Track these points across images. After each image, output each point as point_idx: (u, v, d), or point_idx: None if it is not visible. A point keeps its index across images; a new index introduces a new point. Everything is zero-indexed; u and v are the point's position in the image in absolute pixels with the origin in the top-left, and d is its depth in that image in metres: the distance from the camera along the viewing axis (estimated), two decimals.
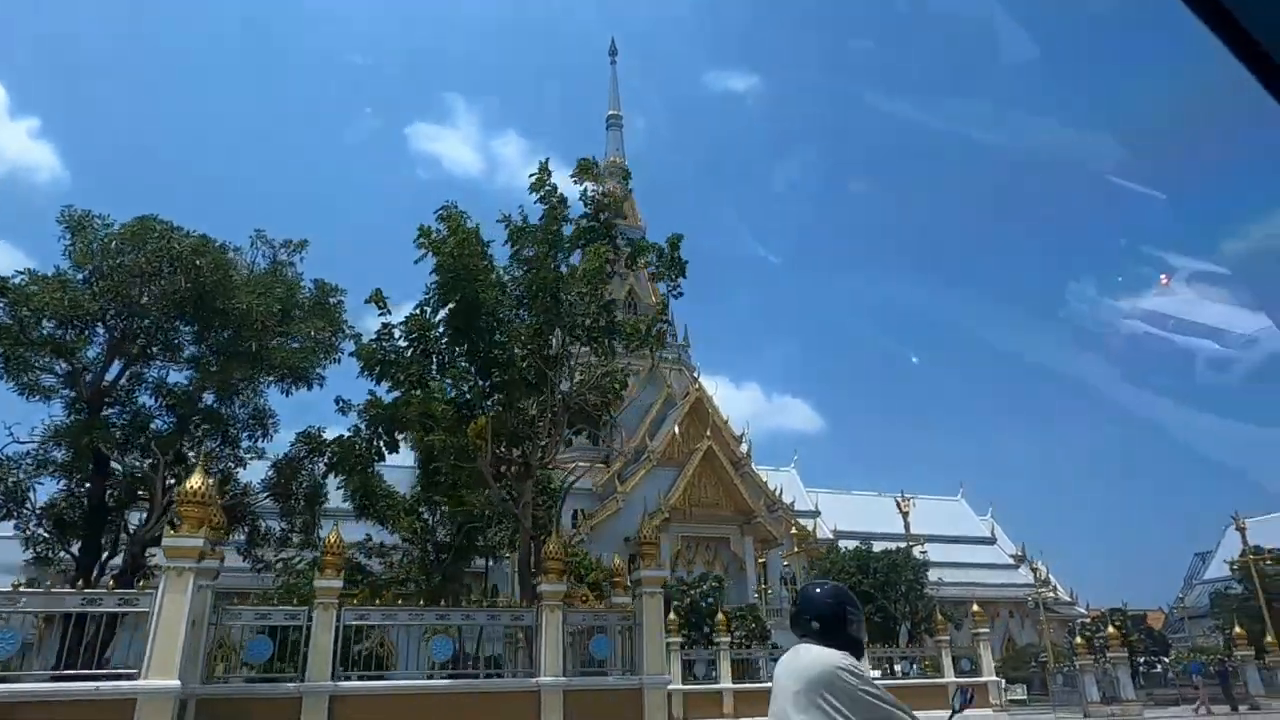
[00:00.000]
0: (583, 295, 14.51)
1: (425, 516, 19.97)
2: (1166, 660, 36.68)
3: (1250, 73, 1.14)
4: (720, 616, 24.91)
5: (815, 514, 66.65)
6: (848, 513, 67.44)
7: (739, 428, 64.82)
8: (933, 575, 64.50)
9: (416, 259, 13.89)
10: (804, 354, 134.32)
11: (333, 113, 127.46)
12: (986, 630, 27.56)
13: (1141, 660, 38.39)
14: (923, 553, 35.58)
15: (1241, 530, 31.79)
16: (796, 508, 63.20)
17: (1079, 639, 30.94)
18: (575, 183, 16.07)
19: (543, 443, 15.32)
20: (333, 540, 12.18)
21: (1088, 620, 44.17)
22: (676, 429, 57.30)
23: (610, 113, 74.70)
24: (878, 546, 67.06)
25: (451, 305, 13.77)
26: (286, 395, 17.06)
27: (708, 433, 56.39)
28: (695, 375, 65.39)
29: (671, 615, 25.03)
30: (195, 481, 10.28)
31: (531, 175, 16.87)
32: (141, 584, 11.59)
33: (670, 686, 24.03)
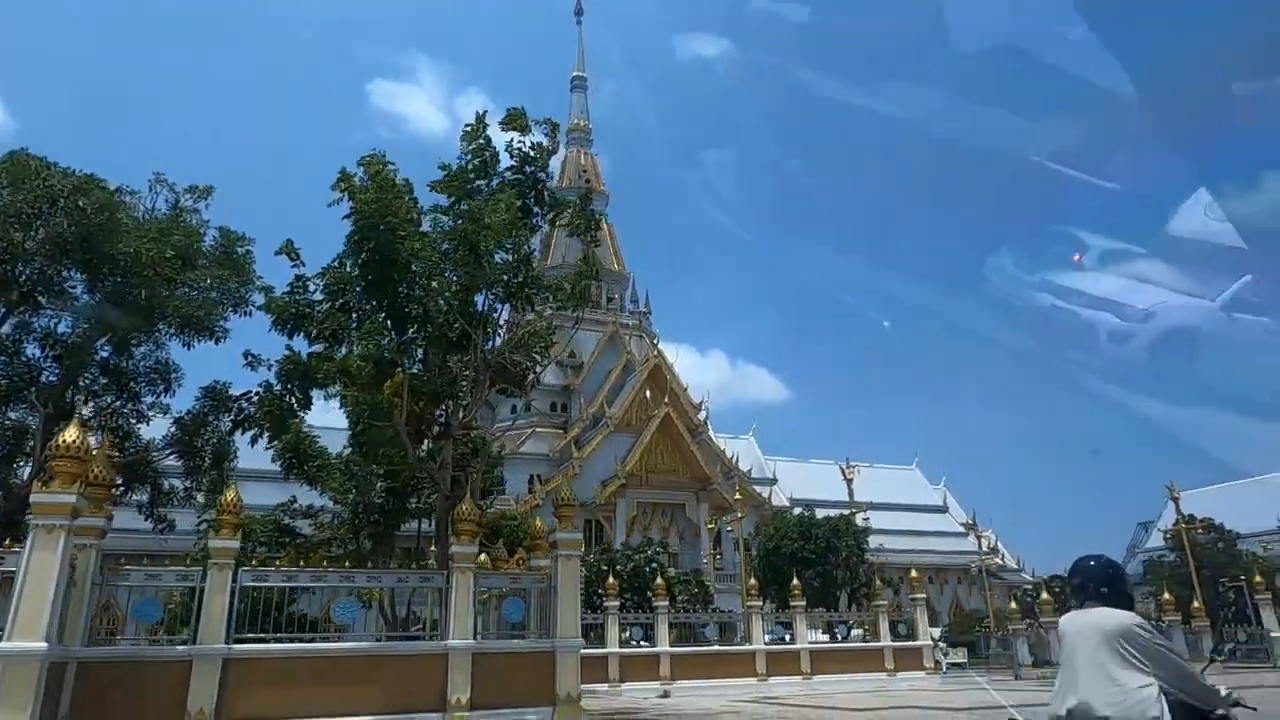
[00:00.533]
0: (502, 248, 13.94)
1: (356, 477, 19.45)
2: None
3: None
4: (660, 581, 24.83)
5: (772, 481, 67.06)
6: (805, 480, 67.93)
7: (700, 396, 64.83)
8: (885, 542, 65.51)
9: (330, 202, 13.21)
10: (770, 324, 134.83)
11: (292, 66, 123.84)
12: (923, 595, 27.81)
13: None
14: (865, 519, 35.81)
15: (1175, 500, 32.37)
16: (754, 475, 63.53)
17: (1012, 604, 31.42)
18: (507, 131, 15.41)
19: (464, 402, 14.86)
20: (229, 499, 11.65)
21: (1029, 586, 45.00)
22: (635, 396, 57.16)
23: (575, 74, 73.24)
24: (833, 513, 68.11)
25: (364, 256, 13.15)
26: (188, 348, 16.28)
27: (665, 400, 56.27)
28: (655, 342, 65.16)
29: (612, 580, 24.93)
30: (70, 434, 9.69)
31: (467, 126, 16.20)
32: (8, 543, 11.01)
33: (608, 650, 24.06)
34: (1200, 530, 33.03)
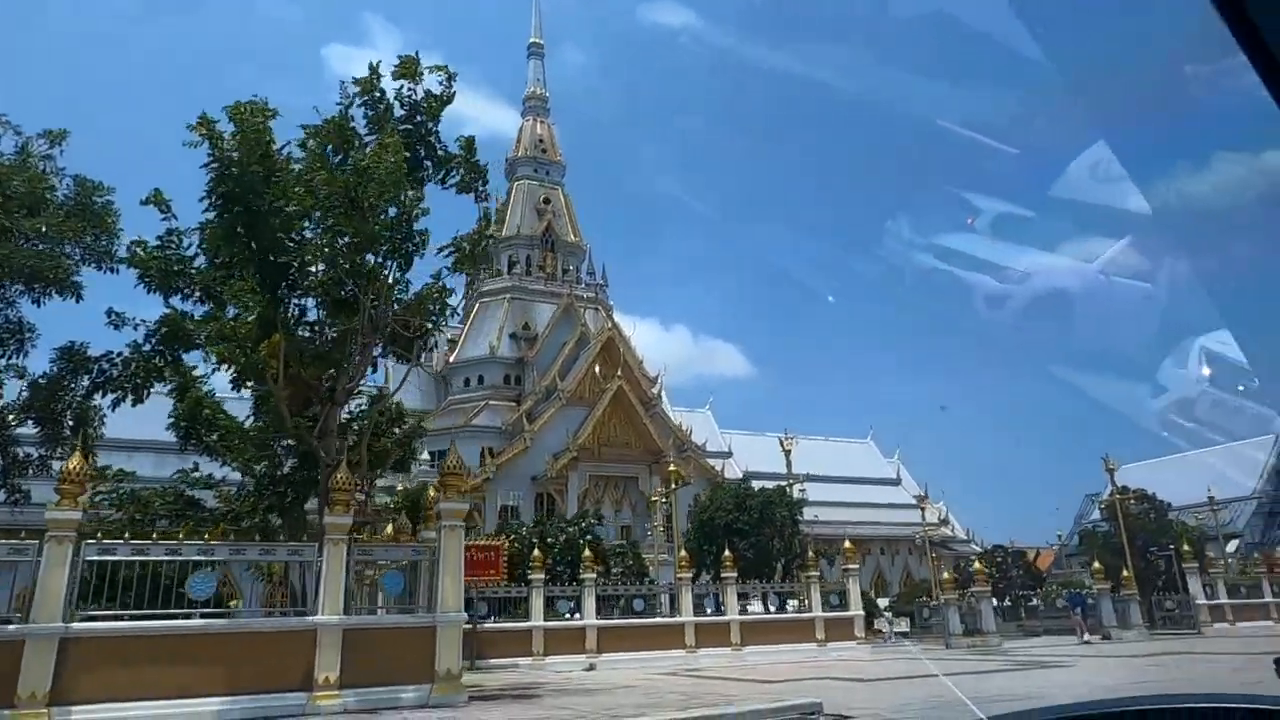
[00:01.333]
0: (390, 202, 12.97)
1: (261, 447, 18.50)
2: (1036, 594, 37.75)
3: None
4: (588, 554, 24.24)
5: (728, 455, 66.78)
6: (760, 454, 67.69)
7: (660, 369, 64.19)
8: (838, 515, 65.67)
9: (186, 143, 12.12)
10: (732, 299, 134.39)
11: (247, 28, 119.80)
12: (855, 566, 27.56)
13: (1021, 594, 39.49)
14: (801, 490, 35.51)
15: (1111, 471, 32.48)
16: (709, 448, 63.20)
17: (945, 574, 31.42)
18: (398, 79, 14.36)
19: (349, 366, 13.97)
20: (71, 467, 10.76)
21: (972, 557, 45.28)
22: (589, 368, 56.39)
23: (531, 41, 71.41)
24: (783, 484, 68.05)
25: (224, 206, 12.16)
26: (37, 305, 15.04)
27: (619, 373, 55.60)
28: (611, 314, 64.31)
29: (537, 552, 24.28)
30: None
31: (361, 78, 15.21)
32: None
33: (532, 624, 23.46)
34: (1133, 501, 33.23)
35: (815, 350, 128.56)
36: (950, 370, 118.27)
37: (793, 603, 27.93)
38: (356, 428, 19.17)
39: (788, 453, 35.31)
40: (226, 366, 14.21)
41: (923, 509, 45.67)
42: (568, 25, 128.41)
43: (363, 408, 20.63)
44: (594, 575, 24.03)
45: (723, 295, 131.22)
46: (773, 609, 26.38)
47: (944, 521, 67.26)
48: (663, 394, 66.07)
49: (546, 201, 66.98)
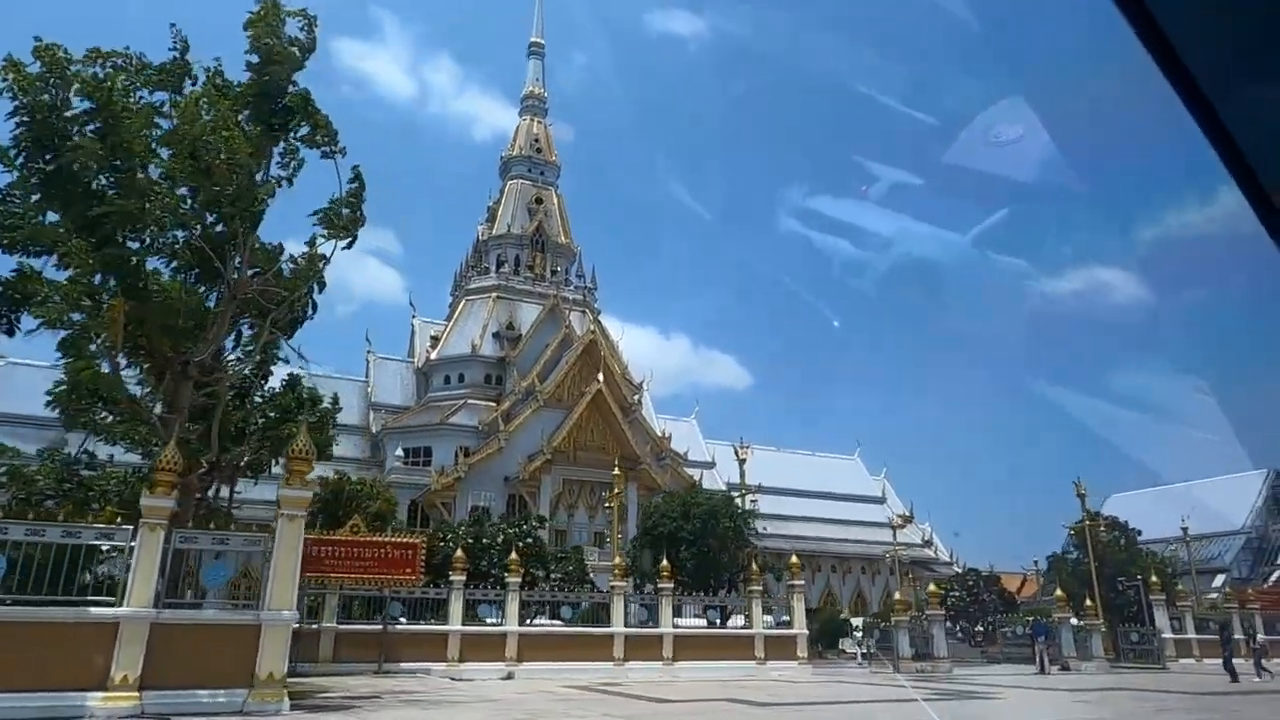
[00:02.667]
0: (236, 163, 11.79)
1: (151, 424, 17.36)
2: (1001, 620, 36.14)
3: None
4: (513, 557, 22.96)
5: (711, 465, 65.43)
6: (745, 465, 66.48)
7: (646, 376, 63.07)
8: (815, 530, 64.10)
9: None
10: (734, 310, 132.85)
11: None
12: (801, 582, 26.15)
13: (991, 620, 37.90)
14: (753, 501, 34.08)
15: (1082, 496, 30.88)
16: (693, 458, 61.91)
17: (896, 595, 29.91)
18: (252, 29, 13.12)
19: (208, 337, 12.80)
20: None
21: (949, 580, 43.73)
22: (569, 370, 55.30)
23: (532, 40, 70.65)
24: (768, 498, 66.52)
25: (29, 155, 11.04)
26: None
27: (599, 376, 54.51)
28: (598, 317, 63.26)
29: (459, 553, 23.03)
30: None
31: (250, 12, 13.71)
32: None
33: (449, 628, 22.19)
34: (1103, 529, 31.64)
35: (814, 366, 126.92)
36: (948, 394, 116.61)
37: (739, 619, 26.59)
38: (251, 410, 18.08)
39: (742, 461, 34.01)
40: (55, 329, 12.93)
41: (894, 528, 44.21)
42: (577, 29, 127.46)
43: (273, 389, 19.56)
44: (518, 580, 22.75)
45: (724, 306, 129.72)
46: (717, 623, 25.05)
47: (927, 543, 65.60)
48: (647, 401, 64.91)
49: (539, 201, 66.05)
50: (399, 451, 53.55)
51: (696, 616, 25.88)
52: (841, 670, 27.48)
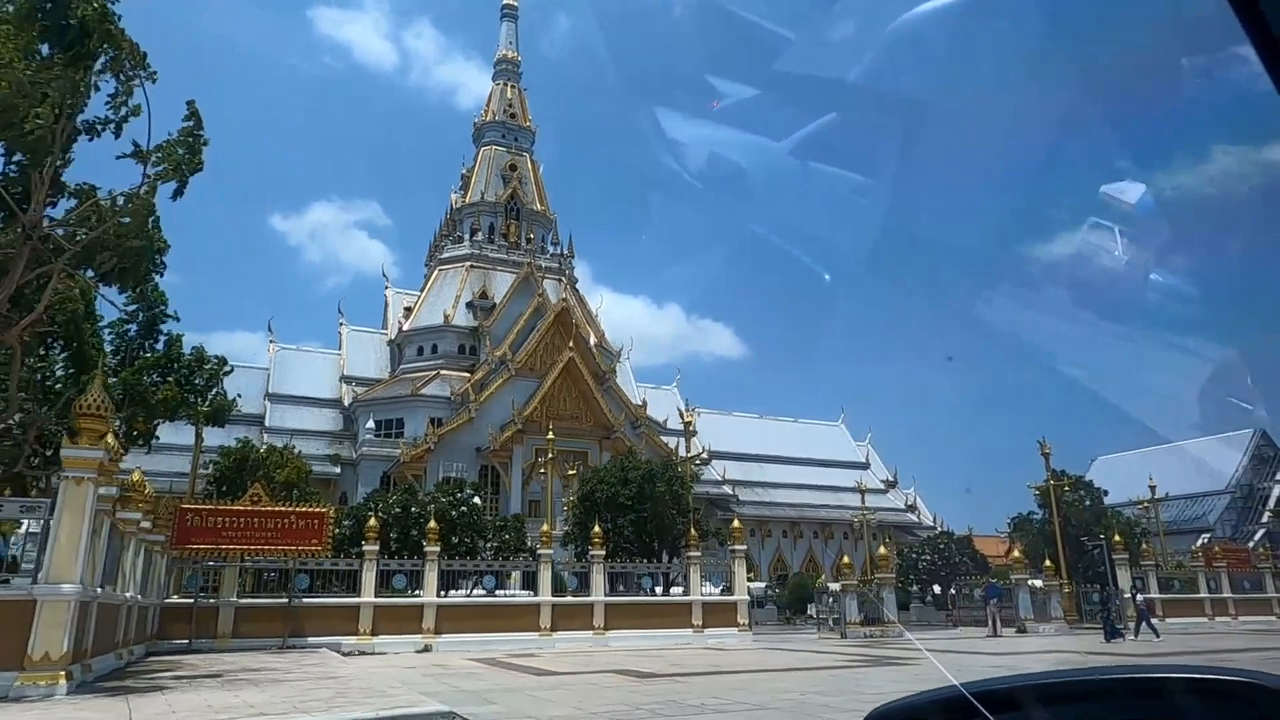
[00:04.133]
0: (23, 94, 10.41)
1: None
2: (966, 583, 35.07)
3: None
4: (431, 525, 21.81)
5: (691, 433, 64.51)
6: (725, 433, 65.43)
7: (626, 343, 61.86)
8: (794, 496, 63.02)
9: None
10: (726, 278, 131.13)
11: None
12: (743, 547, 24.97)
13: (962, 583, 36.83)
14: (700, 462, 32.82)
15: (1046, 455, 29.57)
16: (672, 426, 60.86)
17: (845, 559, 28.72)
18: None
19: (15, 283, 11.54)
20: None
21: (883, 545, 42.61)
22: (541, 339, 54.13)
23: (505, 2, 68.51)
24: (749, 465, 65.42)
25: None
26: None
27: (570, 344, 53.33)
28: (574, 286, 61.93)
29: (373, 521, 21.89)
30: None
31: None
32: None
33: (361, 600, 21.12)
34: (1068, 488, 30.33)
35: (805, 331, 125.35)
36: (935, 357, 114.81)
37: (678, 589, 25.51)
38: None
39: (688, 424, 32.76)
40: None
41: (862, 492, 42.98)
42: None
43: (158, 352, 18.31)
44: (437, 549, 21.62)
45: (716, 274, 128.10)
46: (659, 591, 23.95)
47: (911, 508, 64.54)
48: (627, 369, 63.70)
49: (513, 168, 64.37)
50: (370, 424, 52.62)
51: (641, 584, 24.84)
52: (791, 637, 26.43)
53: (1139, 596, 24.63)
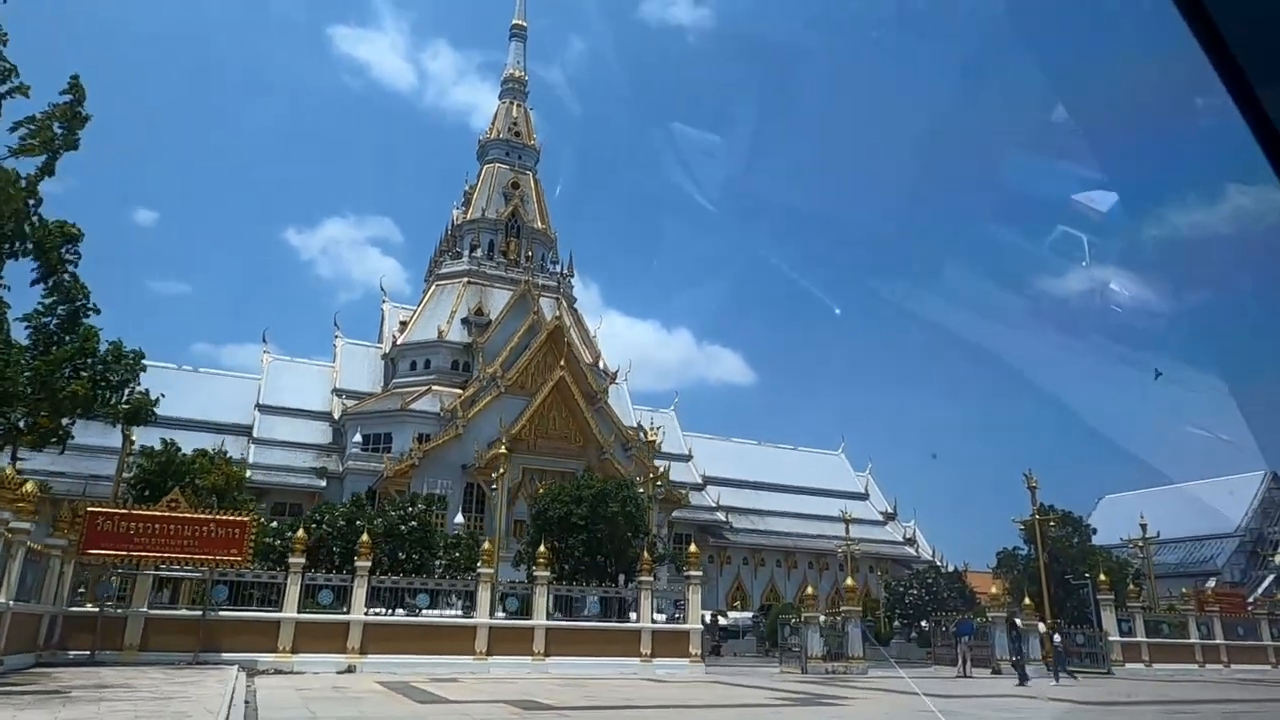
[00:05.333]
0: None
1: None
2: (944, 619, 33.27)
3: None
4: (364, 539, 20.69)
5: (687, 457, 62.99)
6: (722, 458, 64.05)
7: (622, 365, 60.72)
8: (790, 526, 61.25)
9: None
10: (736, 304, 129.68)
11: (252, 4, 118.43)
12: (699, 573, 23.60)
13: (950, 618, 35.01)
14: (659, 485, 31.49)
15: (1033, 489, 27.90)
16: (669, 450, 59.45)
17: (809, 590, 27.15)
18: None
19: None
20: None
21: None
22: (532, 358, 53.23)
23: (515, 22, 68.51)
24: (745, 492, 63.79)
25: None
26: None
27: (561, 363, 52.35)
28: (573, 305, 61.17)
29: (300, 533, 20.80)
30: None
31: None
32: None
33: (282, 615, 19.97)
34: (1053, 524, 28.56)
35: (814, 361, 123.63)
36: (943, 389, 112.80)
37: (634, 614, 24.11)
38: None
39: (651, 441, 31.38)
40: None
41: (846, 521, 41.36)
42: (576, 14, 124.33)
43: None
44: (367, 564, 20.48)
45: (726, 300, 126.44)
46: (587, 613, 22.59)
47: (909, 540, 62.58)
48: (624, 392, 62.54)
49: (515, 186, 63.93)
50: (357, 438, 51.89)
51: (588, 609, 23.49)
52: (754, 670, 24.89)
53: (1056, 637, 22.90)
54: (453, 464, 50.06)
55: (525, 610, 21.82)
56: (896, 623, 33.12)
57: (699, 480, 61.70)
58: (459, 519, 45.50)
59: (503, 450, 28.61)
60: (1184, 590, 29.58)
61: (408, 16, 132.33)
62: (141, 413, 18.41)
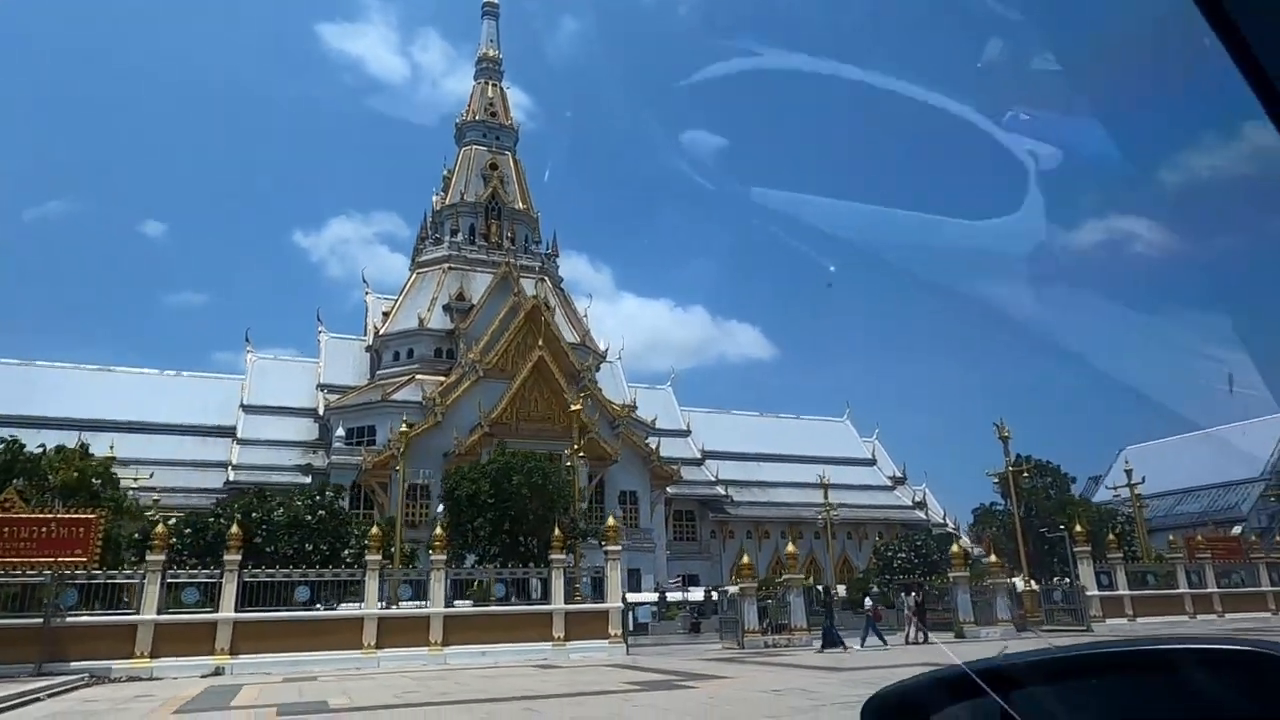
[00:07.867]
0: None
1: None
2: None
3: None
4: (234, 530, 18.70)
5: (685, 433, 60.74)
6: (721, 432, 61.69)
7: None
8: (789, 495, 58.47)
9: None
10: (744, 279, 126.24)
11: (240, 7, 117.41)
12: (619, 547, 21.26)
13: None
14: (578, 459, 29.07)
15: (1005, 439, 24.84)
16: (664, 426, 57.25)
17: (745, 559, 24.49)
18: None
19: None
20: None
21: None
22: (511, 340, 51.24)
23: (485, 1, 66.31)
24: (747, 465, 61.19)
25: None
26: None
27: (539, 343, 50.25)
28: (557, 285, 59.12)
29: (161, 528, 18.91)
30: None
31: None
32: None
33: (139, 617, 18.06)
34: (1026, 474, 25.49)
35: (820, 330, 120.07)
36: (953, 347, 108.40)
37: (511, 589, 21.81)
38: None
39: (576, 411, 29.03)
40: None
41: (824, 487, 38.54)
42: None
43: None
44: (238, 557, 18.52)
45: (734, 275, 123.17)
46: (494, 596, 20.41)
47: (919, 504, 59.40)
48: (617, 370, 60.33)
49: (494, 167, 61.74)
50: (340, 432, 50.54)
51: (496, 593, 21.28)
52: (690, 648, 22.52)
53: (867, 602, 20.13)
54: (434, 452, 48.28)
55: (422, 597, 19.73)
56: (875, 588, 30.38)
57: (698, 455, 59.37)
58: (441, 508, 43.79)
59: (397, 431, 26.42)
60: (1170, 538, 26.31)
61: (393, 8, 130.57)
62: None
